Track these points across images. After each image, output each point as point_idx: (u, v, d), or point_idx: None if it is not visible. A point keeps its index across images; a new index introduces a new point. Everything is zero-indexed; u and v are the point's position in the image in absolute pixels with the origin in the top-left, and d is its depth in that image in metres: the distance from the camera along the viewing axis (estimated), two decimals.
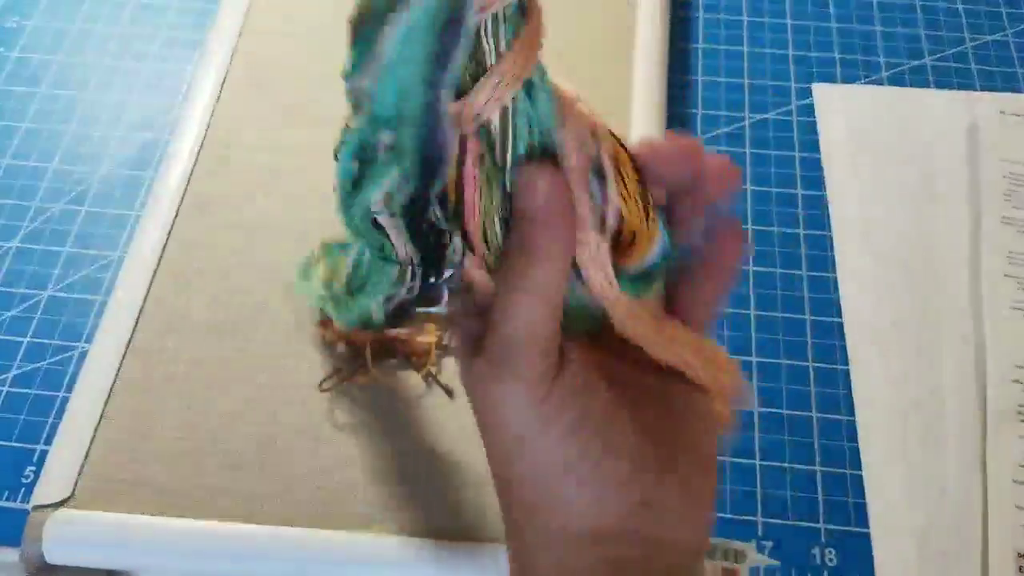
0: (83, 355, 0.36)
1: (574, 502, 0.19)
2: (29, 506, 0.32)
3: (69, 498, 0.32)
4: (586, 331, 0.20)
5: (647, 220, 0.19)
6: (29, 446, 0.35)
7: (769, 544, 0.33)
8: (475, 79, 0.16)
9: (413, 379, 0.35)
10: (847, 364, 0.37)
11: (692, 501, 0.20)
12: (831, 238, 0.40)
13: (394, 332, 0.33)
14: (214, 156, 0.41)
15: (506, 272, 0.18)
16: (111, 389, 0.34)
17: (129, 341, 0.35)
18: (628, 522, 0.19)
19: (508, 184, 0.18)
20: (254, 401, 0.34)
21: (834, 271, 0.39)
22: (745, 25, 0.48)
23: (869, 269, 0.39)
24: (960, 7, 0.48)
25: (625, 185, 0.18)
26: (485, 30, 0.16)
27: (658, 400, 0.20)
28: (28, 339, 0.38)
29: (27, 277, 0.39)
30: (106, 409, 0.34)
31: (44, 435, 0.35)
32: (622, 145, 0.19)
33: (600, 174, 0.18)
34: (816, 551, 0.33)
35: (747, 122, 0.44)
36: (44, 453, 0.34)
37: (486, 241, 0.18)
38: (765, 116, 0.44)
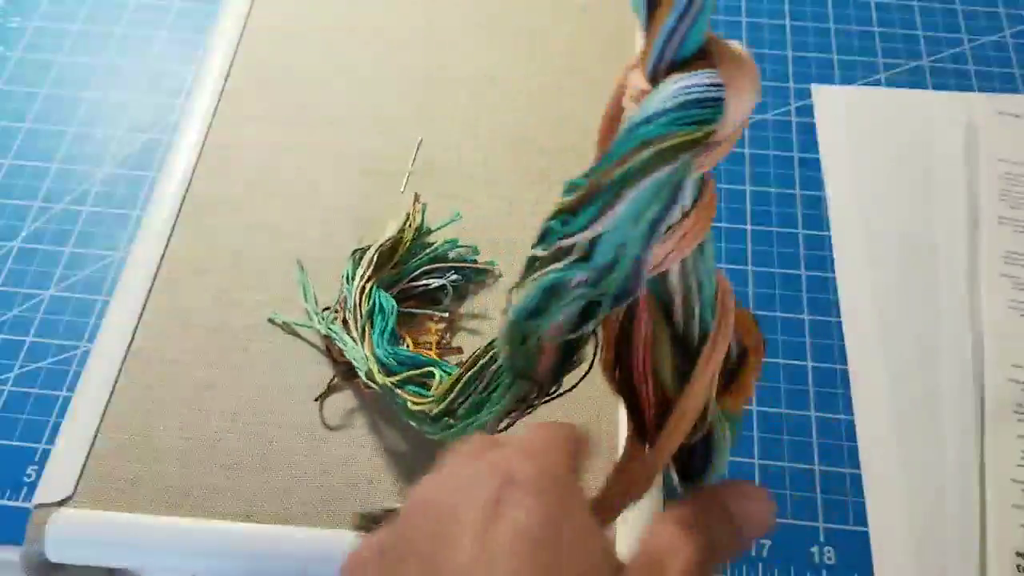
0: (85, 355, 0.36)
1: None
2: (31, 505, 0.32)
3: (71, 497, 0.32)
4: None
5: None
6: (31, 445, 0.35)
7: (768, 543, 0.33)
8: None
9: None
10: (846, 364, 0.37)
11: None
12: (830, 238, 0.40)
13: (401, 332, 0.34)
14: (215, 156, 0.41)
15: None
16: (113, 389, 0.34)
17: (131, 341, 0.35)
18: None
19: (683, 331, 0.20)
20: (255, 401, 0.34)
21: (833, 271, 0.39)
22: (744, 26, 0.48)
23: (867, 269, 0.39)
24: (958, 8, 0.48)
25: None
26: None
27: None
28: (30, 339, 0.38)
29: (29, 277, 0.39)
30: (107, 409, 0.34)
31: (46, 434, 0.35)
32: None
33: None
34: (815, 550, 0.33)
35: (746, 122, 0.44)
36: (46, 452, 0.34)
37: (656, 374, 0.20)
38: (764, 117, 0.44)
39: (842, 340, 0.37)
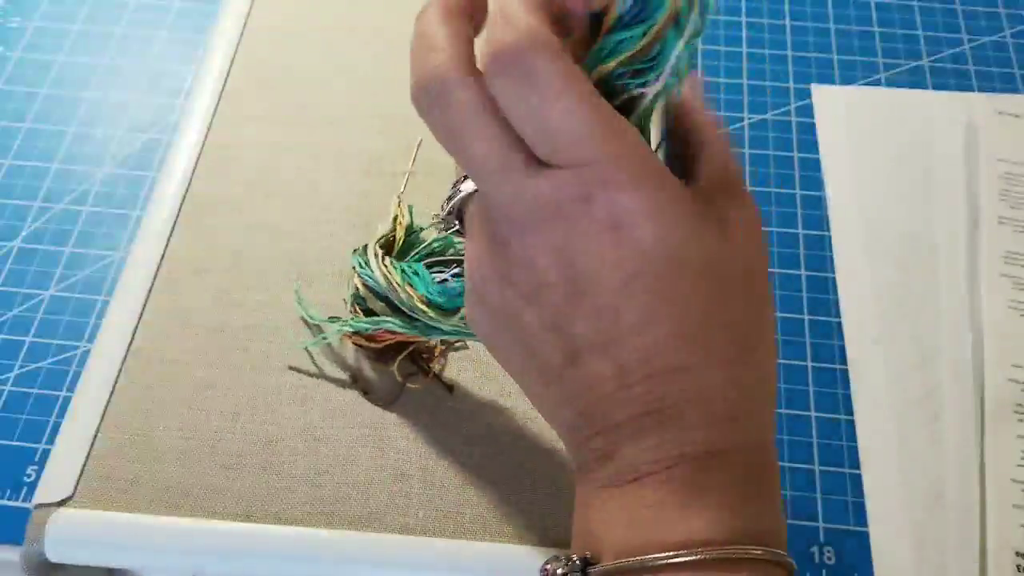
0: (85, 355, 0.36)
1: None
2: (31, 505, 0.32)
3: (70, 497, 0.32)
4: None
5: None
6: (31, 445, 0.35)
7: None
8: None
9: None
10: (846, 364, 0.37)
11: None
12: (830, 238, 0.40)
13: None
14: (215, 156, 0.41)
15: None
16: (113, 389, 0.34)
17: (131, 341, 0.35)
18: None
19: None
20: (255, 401, 0.34)
21: (833, 271, 0.39)
22: (744, 26, 0.48)
23: (867, 269, 0.39)
24: (958, 8, 0.48)
25: None
26: None
27: None
28: (30, 339, 0.38)
29: (29, 277, 0.39)
30: (107, 409, 0.34)
31: (46, 434, 0.35)
32: None
33: None
34: (815, 550, 0.33)
35: (746, 122, 0.44)
36: (46, 452, 0.34)
37: None
38: (764, 117, 0.44)
39: (842, 340, 0.37)
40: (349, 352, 0.36)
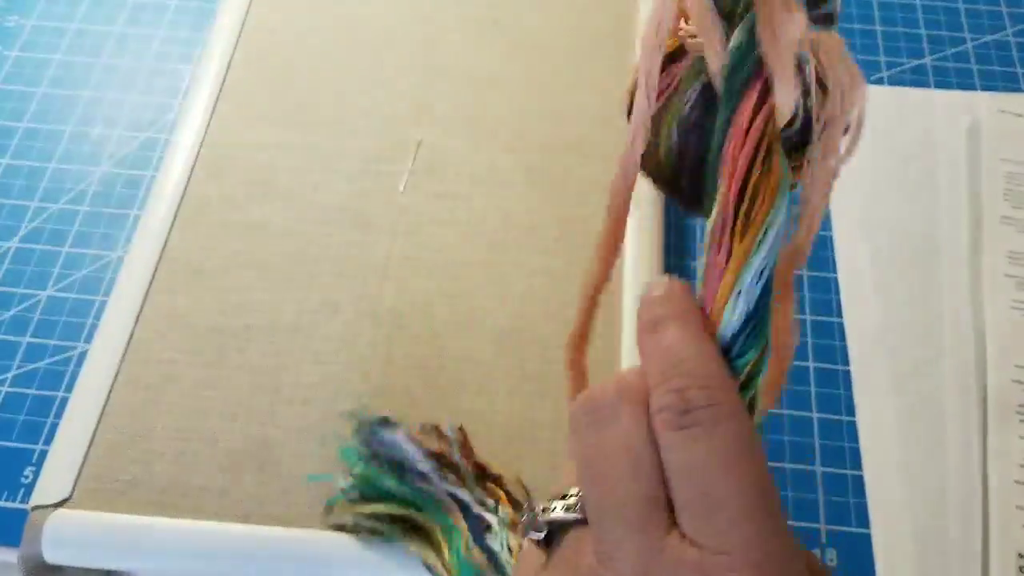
0: (82, 355, 0.36)
1: None
2: (28, 506, 0.32)
3: (68, 498, 0.32)
4: None
5: None
6: (28, 446, 0.35)
7: None
8: None
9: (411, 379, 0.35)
10: (847, 364, 0.37)
11: None
12: (832, 238, 0.40)
13: None
14: (213, 156, 0.41)
15: None
16: (110, 389, 0.34)
17: (128, 341, 0.35)
18: None
19: None
20: (253, 402, 0.34)
21: (834, 271, 0.39)
22: None
23: (869, 269, 0.39)
24: (961, 7, 0.48)
25: None
26: None
27: None
28: (27, 339, 0.37)
29: (26, 277, 0.39)
30: (105, 409, 0.34)
31: (43, 435, 0.35)
32: None
33: None
34: (817, 551, 0.33)
35: None
36: (43, 453, 0.34)
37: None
38: None
39: (844, 341, 0.37)
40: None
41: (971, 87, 0.45)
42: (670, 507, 0.17)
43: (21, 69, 0.46)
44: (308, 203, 0.39)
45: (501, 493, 0.29)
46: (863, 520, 0.33)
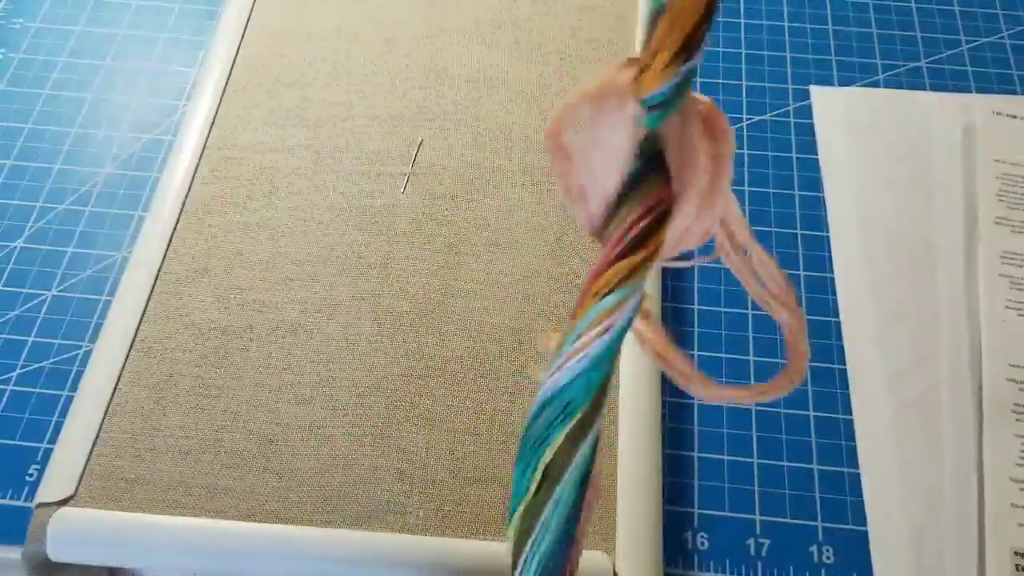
0: (87, 354, 0.37)
1: None
2: (32, 504, 0.32)
3: (72, 496, 0.32)
4: None
5: None
6: (33, 444, 0.35)
7: (767, 542, 0.33)
8: None
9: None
10: (844, 363, 0.37)
11: None
12: (828, 239, 0.40)
13: None
14: (217, 157, 0.41)
15: None
16: (114, 388, 0.35)
17: (132, 340, 0.36)
18: None
19: None
20: (256, 401, 0.34)
21: (831, 271, 0.39)
22: (742, 27, 0.48)
23: (865, 269, 0.39)
24: (956, 9, 0.48)
25: None
26: None
27: None
28: (32, 338, 0.38)
29: (31, 277, 0.40)
30: (109, 408, 0.34)
31: (48, 434, 0.35)
32: None
33: None
34: (813, 549, 0.33)
35: (744, 123, 0.44)
36: (48, 451, 0.34)
37: None
38: (762, 117, 0.45)
39: (840, 340, 0.37)
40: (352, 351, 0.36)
41: (966, 89, 0.45)
42: None
43: (26, 71, 0.47)
44: (310, 204, 0.40)
45: None
46: (859, 518, 0.33)
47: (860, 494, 0.34)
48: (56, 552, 0.31)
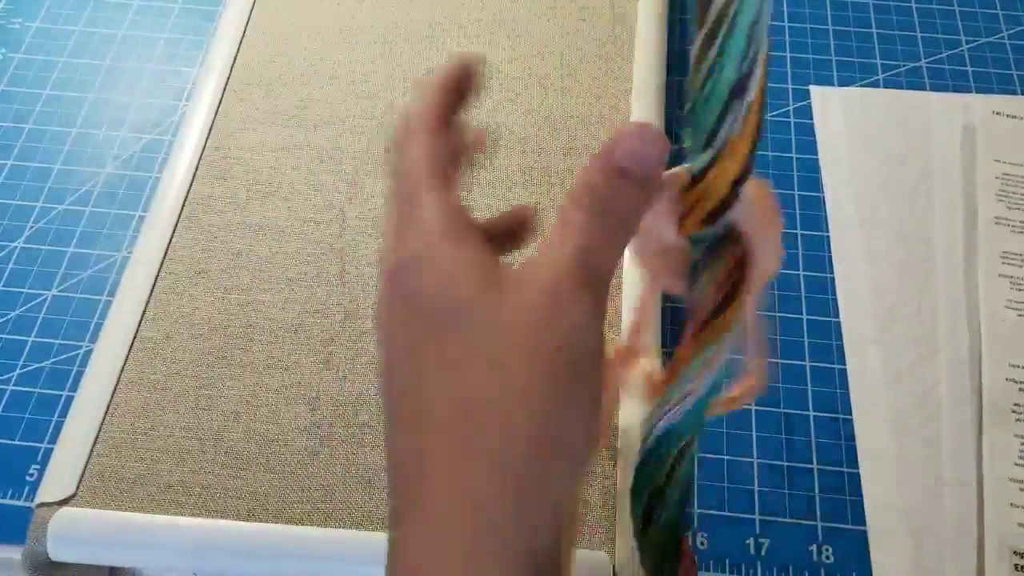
0: (87, 354, 0.37)
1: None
2: (33, 504, 0.32)
3: (73, 496, 0.32)
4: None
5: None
6: (33, 444, 0.35)
7: (766, 542, 0.33)
8: None
9: None
10: (844, 363, 0.37)
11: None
12: (828, 239, 0.40)
13: None
14: (217, 157, 0.41)
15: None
16: (115, 388, 0.35)
17: (133, 340, 0.36)
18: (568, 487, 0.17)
19: None
20: (257, 400, 0.34)
21: (831, 271, 0.39)
22: None
23: (865, 269, 0.39)
24: (956, 10, 0.48)
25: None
26: None
27: None
28: (32, 338, 0.38)
29: (32, 277, 0.40)
30: (110, 408, 0.34)
31: (48, 433, 0.35)
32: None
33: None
34: (813, 549, 0.33)
35: None
36: (48, 451, 0.34)
37: None
38: None
39: (840, 340, 0.37)
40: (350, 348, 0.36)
41: (966, 89, 0.45)
42: None
43: (26, 71, 0.47)
44: (310, 204, 0.40)
45: None
46: (859, 518, 0.33)
47: (860, 494, 0.34)
48: (57, 552, 0.31)
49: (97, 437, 0.33)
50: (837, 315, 0.38)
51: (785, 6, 0.49)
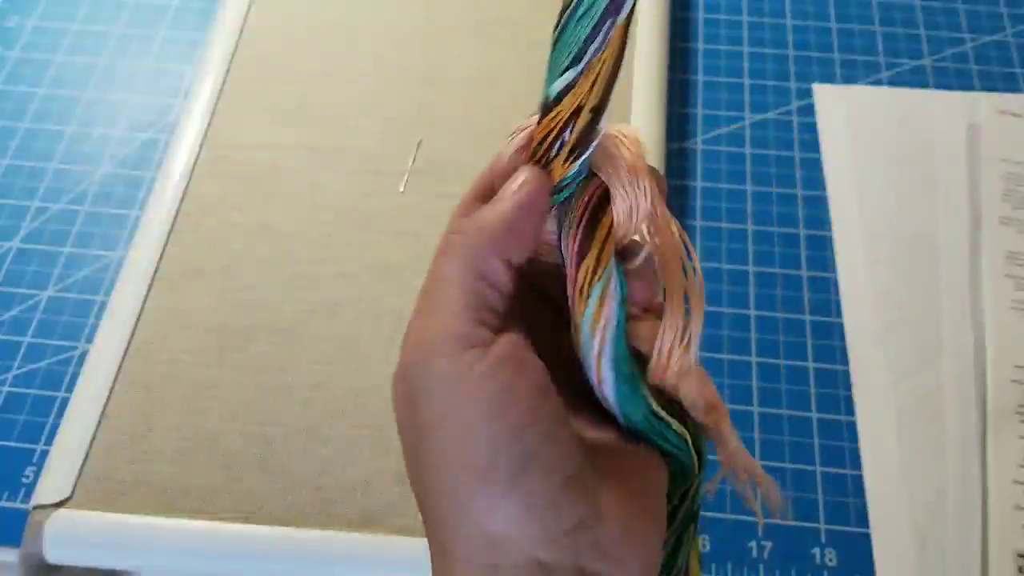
0: (83, 355, 0.36)
1: (497, 514, 0.16)
2: (29, 506, 0.32)
3: (69, 498, 0.32)
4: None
5: None
6: (29, 446, 0.35)
7: (769, 545, 0.33)
8: None
9: None
10: (847, 364, 0.37)
11: (637, 534, 0.17)
12: (831, 238, 0.40)
13: None
14: (214, 156, 0.41)
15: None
16: (111, 389, 0.34)
17: (129, 341, 0.35)
18: (562, 551, 0.16)
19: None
20: (254, 401, 0.34)
21: (834, 271, 0.39)
22: (745, 25, 0.48)
23: (869, 269, 0.39)
24: (960, 8, 0.48)
25: None
26: None
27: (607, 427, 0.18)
28: (28, 339, 0.38)
29: (27, 277, 0.39)
30: (106, 409, 0.34)
31: (44, 435, 0.35)
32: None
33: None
34: (816, 551, 0.33)
35: (747, 122, 0.44)
36: (44, 453, 0.34)
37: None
38: (765, 116, 0.44)
39: (843, 341, 0.37)
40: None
41: (970, 88, 0.45)
42: None
43: (22, 69, 0.46)
44: (308, 203, 0.40)
45: None
46: (862, 520, 0.33)
47: (863, 496, 0.34)
48: (53, 554, 0.31)
49: (93, 439, 0.33)
50: (840, 316, 0.38)
51: (788, 3, 0.49)
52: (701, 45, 0.47)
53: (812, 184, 0.42)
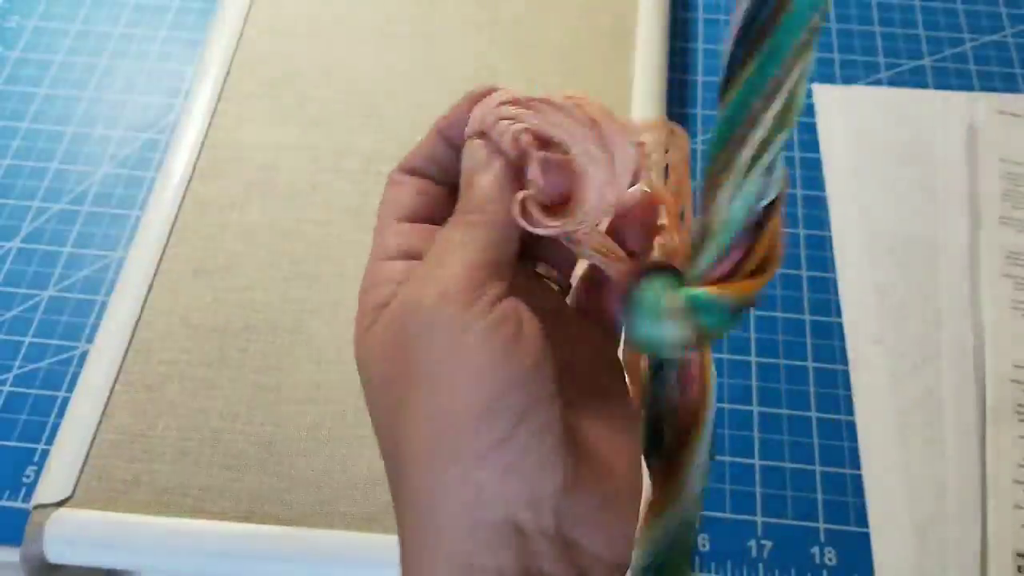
0: (84, 355, 0.36)
1: (486, 464, 0.16)
2: (30, 506, 0.32)
3: (70, 497, 0.32)
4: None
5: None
6: (30, 446, 0.35)
7: (769, 544, 0.33)
8: None
9: None
10: (846, 364, 0.37)
11: (613, 508, 0.17)
12: (831, 238, 0.40)
13: None
14: (214, 156, 0.41)
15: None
16: (112, 389, 0.34)
17: (130, 341, 0.35)
18: (543, 515, 0.16)
19: None
20: (254, 401, 0.34)
21: (834, 271, 0.39)
22: None
23: (868, 269, 0.39)
24: (959, 8, 0.48)
25: None
26: None
27: (600, 395, 0.19)
28: (29, 339, 0.38)
29: (28, 277, 0.39)
30: (107, 409, 0.34)
31: (45, 435, 0.35)
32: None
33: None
34: (815, 551, 0.33)
35: None
36: (45, 453, 0.34)
37: None
38: None
39: (843, 341, 0.37)
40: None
41: (970, 88, 0.45)
42: None
43: (23, 70, 0.46)
44: (308, 203, 0.40)
45: None
46: (862, 519, 0.33)
47: (862, 495, 0.34)
48: (54, 553, 0.31)
49: (94, 438, 0.33)
50: (839, 316, 0.38)
51: None
52: (701, 45, 0.47)
53: (811, 184, 0.42)
